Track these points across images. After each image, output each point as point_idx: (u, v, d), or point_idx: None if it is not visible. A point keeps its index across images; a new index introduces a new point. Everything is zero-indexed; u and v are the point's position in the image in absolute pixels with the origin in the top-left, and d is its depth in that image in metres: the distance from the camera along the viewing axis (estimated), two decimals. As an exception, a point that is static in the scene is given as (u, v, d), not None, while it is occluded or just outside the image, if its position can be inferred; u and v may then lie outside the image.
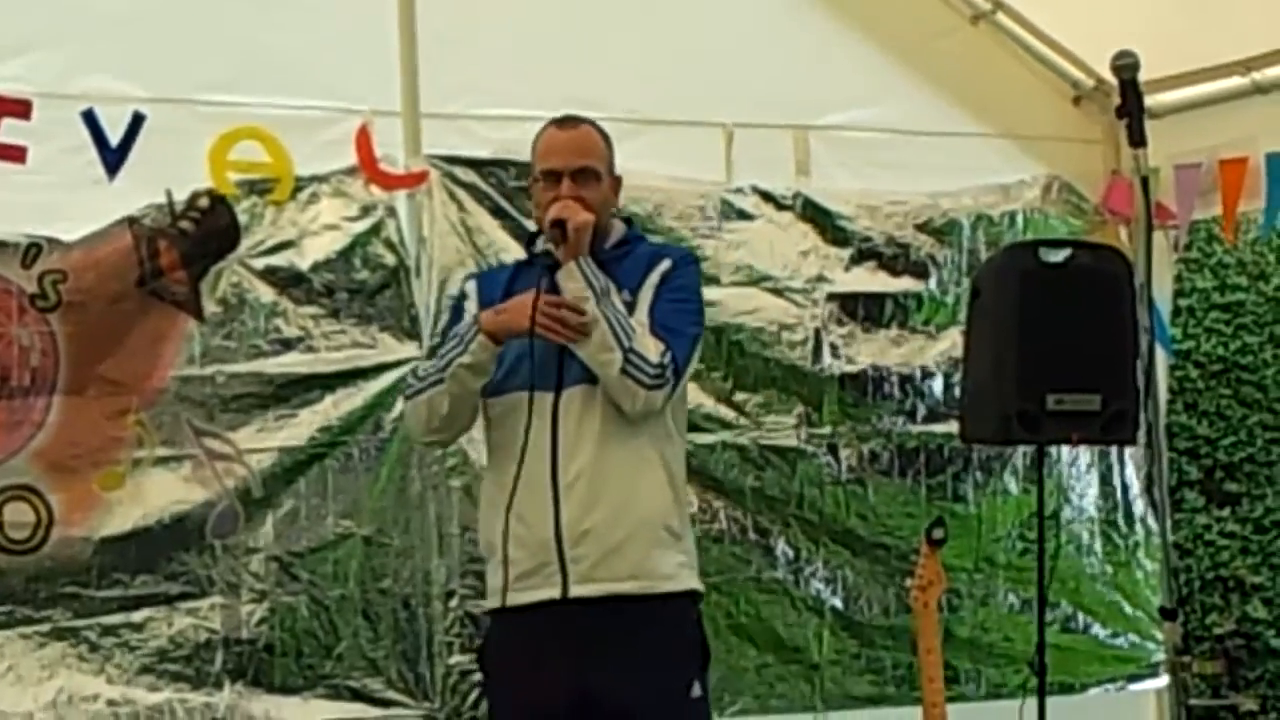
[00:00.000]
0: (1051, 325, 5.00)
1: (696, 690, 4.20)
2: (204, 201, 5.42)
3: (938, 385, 6.32)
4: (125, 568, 5.30)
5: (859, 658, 6.16)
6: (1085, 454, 6.50)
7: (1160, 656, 6.52)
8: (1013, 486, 6.40)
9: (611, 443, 4.15)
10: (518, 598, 4.17)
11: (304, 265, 5.55)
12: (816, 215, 6.24)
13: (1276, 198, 6.18)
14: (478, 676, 5.46)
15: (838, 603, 6.14)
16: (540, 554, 4.14)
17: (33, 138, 5.14)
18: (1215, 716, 6.85)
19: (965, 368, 5.39)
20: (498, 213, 5.76)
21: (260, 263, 5.51)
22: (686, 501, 4.39)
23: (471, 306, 4.34)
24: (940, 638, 5.48)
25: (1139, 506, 6.64)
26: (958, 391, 5.86)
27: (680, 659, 4.21)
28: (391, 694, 5.53)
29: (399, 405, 5.52)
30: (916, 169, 6.31)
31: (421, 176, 5.69)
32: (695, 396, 5.75)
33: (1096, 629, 6.52)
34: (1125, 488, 6.62)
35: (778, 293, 6.15)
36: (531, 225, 5.63)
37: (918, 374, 6.31)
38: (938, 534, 5.46)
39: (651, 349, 4.13)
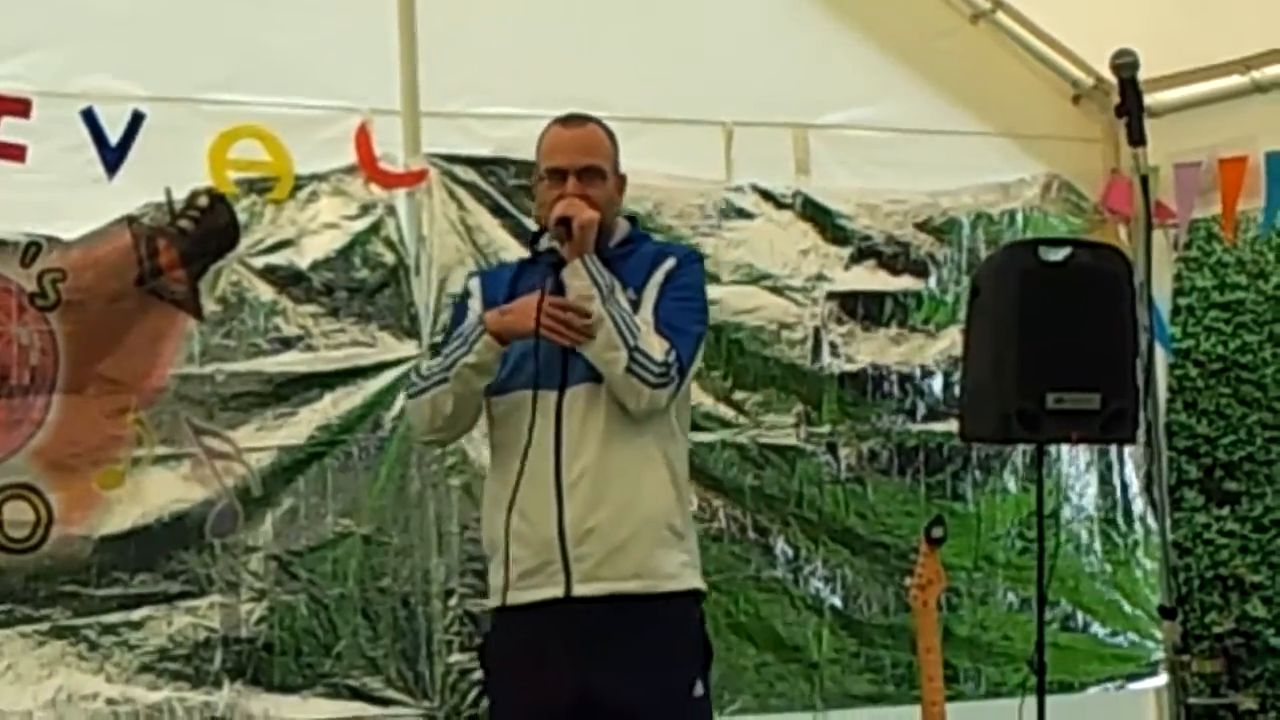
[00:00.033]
0: (1051, 324, 4.99)
1: (699, 690, 4.20)
2: (203, 200, 5.42)
3: (937, 384, 6.32)
4: (125, 566, 5.30)
5: (858, 656, 6.16)
6: (1084, 453, 6.50)
7: (1159, 655, 6.52)
8: (1012, 485, 6.40)
9: (615, 441, 4.15)
10: (520, 596, 4.17)
11: (303, 264, 5.55)
12: (816, 214, 6.24)
13: (1276, 196, 6.18)
14: (477, 675, 5.47)
15: (837, 601, 6.14)
16: (543, 552, 4.13)
17: (32, 136, 5.14)
18: (1214, 715, 6.85)
19: (965, 366, 5.38)
20: (497, 211, 5.77)
21: (260, 261, 5.51)
22: (689, 501, 4.39)
23: (475, 305, 4.34)
24: (939, 636, 5.48)
25: (1138, 505, 6.64)
26: (957, 390, 5.85)
27: (683, 658, 4.21)
28: (391, 693, 5.53)
29: (398, 404, 5.53)
30: (916, 168, 6.31)
31: (421, 175, 5.69)
32: (695, 395, 5.73)
33: (1096, 628, 6.52)
34: (1125, 486, 6.62)
35: (777, 291, 6.15)
36: (531, 223, 5.67)
37: (917, 373, 6.31)
38: (937, 533, 5.46)
39: (656, 347, 4.13)
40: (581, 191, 4.21)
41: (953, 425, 5.78)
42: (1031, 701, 4.98)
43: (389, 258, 5.64)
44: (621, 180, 4.38)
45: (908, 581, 5.49)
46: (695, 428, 5.63)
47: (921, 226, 6.38)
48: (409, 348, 5.60)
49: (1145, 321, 5.61)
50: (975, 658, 6.28)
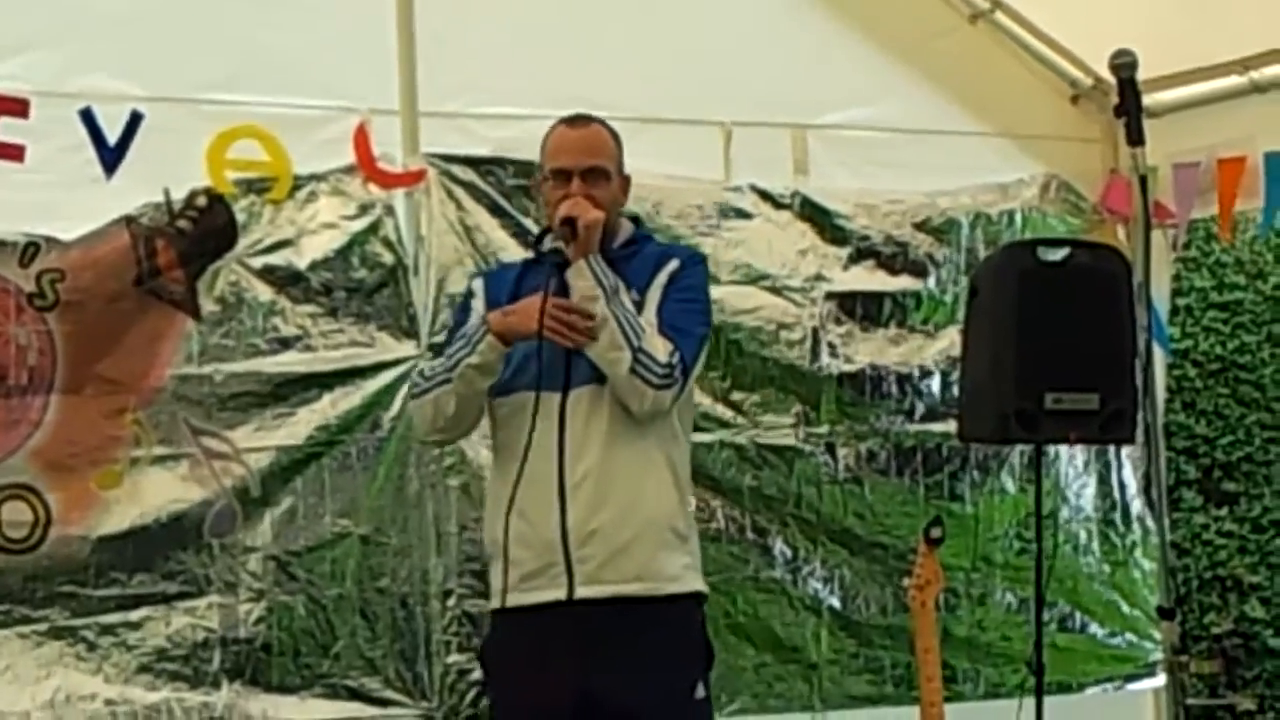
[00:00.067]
0: (1050, 324, 4.99)
1: (700, 691, 4.20)
2: (202, 200, 5.41)
3: (936, 384, 6.32)
4: (123, 567, 5.30)
5: (857, 657, 6.15)
6: (1083, 453, 6.49)
7: (1158, 656, 6.52)
8: (1010, 486, 6.40)
9: (618, 443, 4.15)
10: (523, 598, 4.16)
11: (302, 264, 5.55)
12: (815, 214, 6.23)
13: (1275, 197, 6.18)
14: (475, 676, 5.48)
15: (835, 602, 6.14)
16: (546, 554, 4.13)
17: (31, 136, 5.14)
18: (1213, 716, 6.86)
19: (963, 367, 5.38)
20: (496, 211, 5.76)
21: (258, 261, 5.50)
22: (691, 503, 4.39)
23: (478, 305, 4.34)
24: (938, 637, 5.48)
25: (1137, 506, 6.63)
26: (956, 391, 5.85)
27: (685, 660, 4.21)
28: (389, 693, 5.53)
29: (397, 404, 5.53)
30: (915, 168, 6.31)
31: (419, 175, 5.68)
32: (694, 396, 5.75)
33: (1094, 628, 6.52)
34: (1123, 487, 6.62)
35: (776, 291, 6.14)
36: (529, 223, 5.69)
37: (916, 373, 6.31)
38: (936, 533, 5.46)
39: (660, 349, 4.13)
40: (586, 192, 4.20)
41: (951, 426, 5.78)
42: (1030, 702, 4.98)
43: (387, 258, 5.64)
44: (626, 181, 4.37)
45: (906, 582, 5.49)
46: (693, 428, 5.63)
47: (920, 227, 6.37)
48: (407, 348, 5.60)
49: (1144, 322, 5.61)
50: (974, 658, 6.28)
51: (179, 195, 5.39)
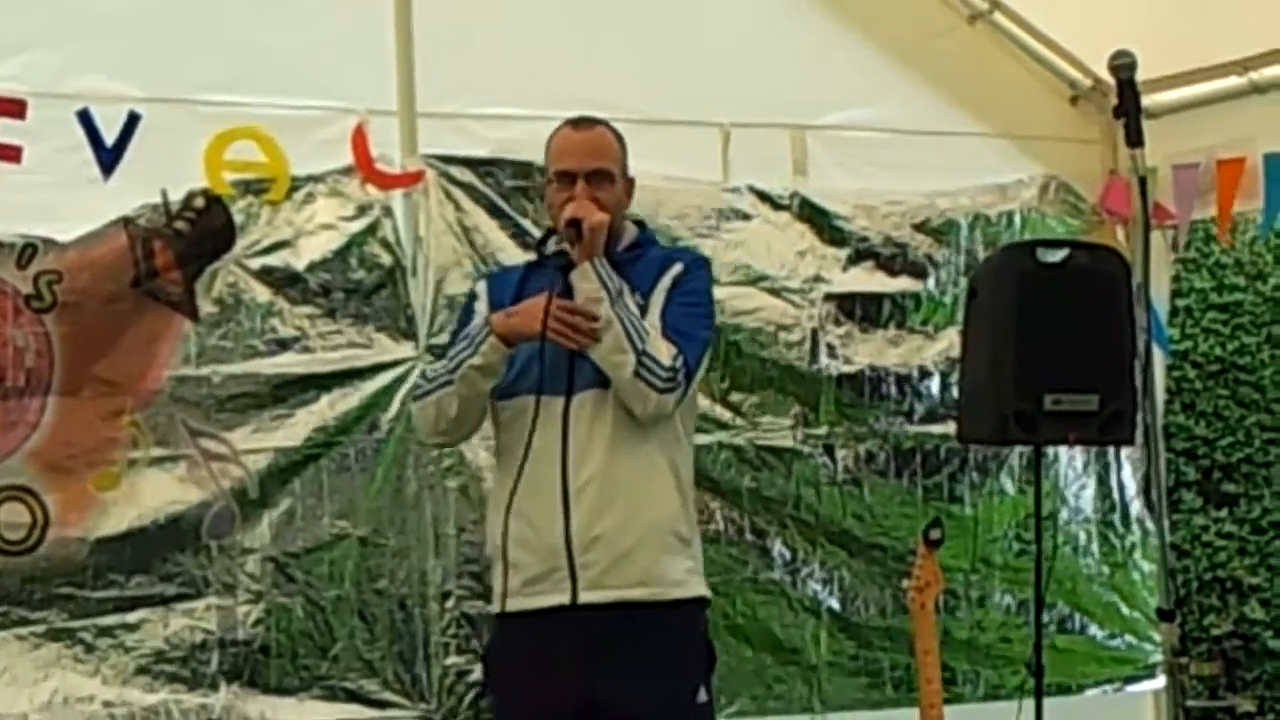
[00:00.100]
0: (1049, 325, 4.99)
1: (702, 695, 4.20)
2: (199, 201, 5.41)
3: (935, 385, 6.32)
4: (121, 568, 5.29)
5: (856, 659, 6.15)
6: (1082, 454, 6.49)
7: (1158, 658, 6.51)
8: (1009, 487, 6.40)
9: (622, 448, 4.14)
10: (526, 603, 4.16)
11: (300, 265, 5.54)
12: (814, 215, 6.23)
13: (1275, 198, 6.17)
14: (474, 677, 5.48)
15: (835, 604, 6.13)
16: (549, 559, 4.12)
17: (28, 137, 5.14)
18: (1212, 717, 6.86)
19: (962, 368, 5.38)
20: (494, 212, 5.76)
21: (256, 263, 5.50)
22: (695, 507, 4.38)
23: (482, 307, 4.33)
24: (937, 639, 5.47)
25: (1136, 507, 6.63)
26: (955, 392, 5.85)
27: (688, 665, 4.20)
28: (387, 695, 5.52)
29: (395, 405, 5.53)
30: (914, 169, 6.30)
31: (418, 176, 5.68)
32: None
33: (1094, 630, 6.51)
34: (1122, 488, 6.61)
35: (775, 293, 6.14)
36: (528, 224, 5.68)
37: (915, 374, 6.30)
38: (935, 534, 5.45)
39: (664, 352, 4.12)
40: (591, 195, 4.19)
41: (950, 427, 5.78)
42: (1029, 704, 4.98)
43: (386, 259, 5.63)
44: (630, 183, 4.37)
45: (905, 583, 5.48)
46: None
47: (919, 228, 6.37)
48: (406, 349, 5.60)
49: (1143, 323, 5.60)
50: (973, 660, 6.28)
51: (176, 196, 5.38)
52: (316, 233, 5.57)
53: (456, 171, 5.72)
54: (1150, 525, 6.60)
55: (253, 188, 5.48)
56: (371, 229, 5.62)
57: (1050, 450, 6.09)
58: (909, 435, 6.28)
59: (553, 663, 4.12)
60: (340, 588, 5.51)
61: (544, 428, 4.13)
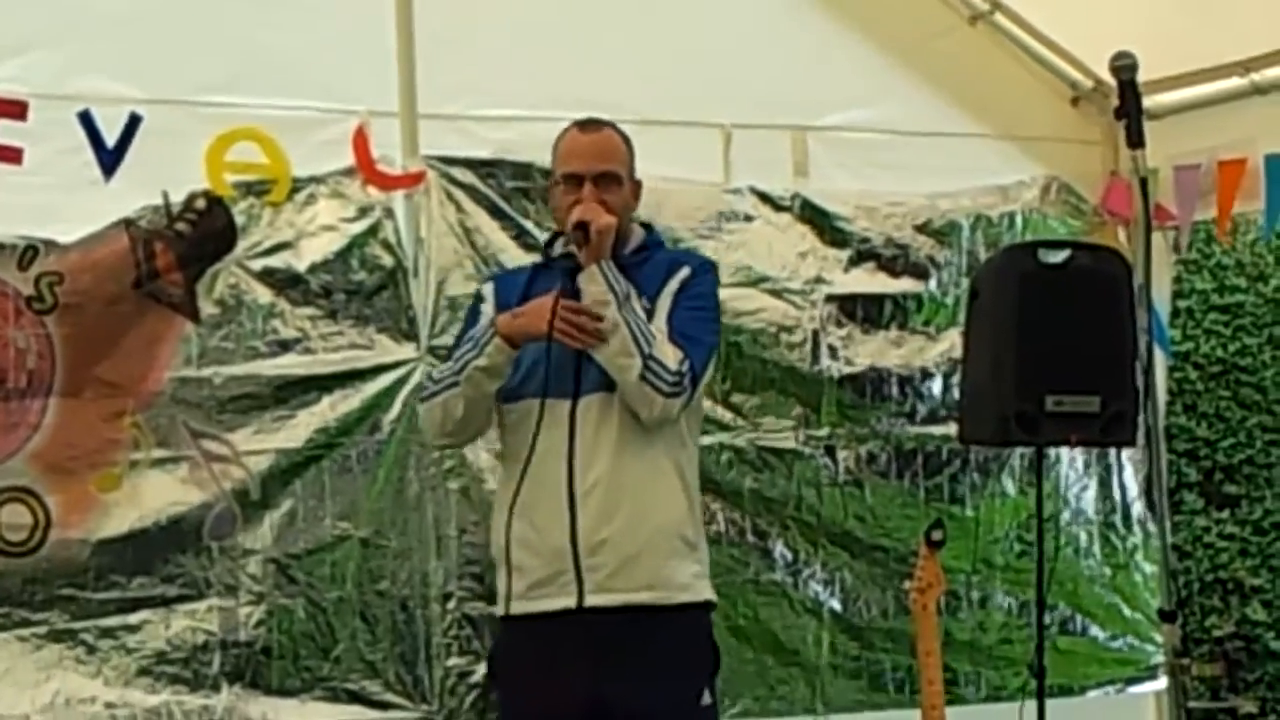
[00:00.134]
0: (1050, 326, 4.98)
1: (706, 698, 4.20)
2: (201, 203, 5.41)
3: (936, 386, 6.31)
4: (122, 570, 5.29)
5: (858, 660, 6.14)
6: (1083, 455, 6.49)
7: (1159, 659, 6.51)
8: (1010, 488, 6.39)
9: (628, 452, 4.14)
10: (532, 606, 4.16)
11: (301, 266, 5.54)
12: (815, 216, 6.23)
13: (1276, 199, 6.16)
14: (475, 678, 5.47)
15: (836, 605, 6.13)
16: (554, 562, 4.13)
17: (29, 139, 5.13)
18: (1214, 719, 6.85)
19: (964, 369, 5.38)
20: (496, 213, 5.75)
21: (257, 264, 5.50)
22: (701, 510, 4.37)
23: (488, 309, 4.34)
24: (939, 640, 5.47)
25: (1138, 508, 6.62)
26: (956, 393, 5.84)
27: (694, 668, 4.21)
28: (389, 696, 5.52)
29: (396, 406, 5.53)
30: (915, 170, 6.30)
31: (419, 177, 5.68)
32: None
33: (1095, 631, 6.51)
34: (1124, 490, 6.61)
35: (776, 294, 6.14)
36: (529, 225, 5.68)
37: (917, 375, 6.30)
38: (937, 536, 5.44)
39: (670, 356, 4.12)
40: (598, 197, 4.20)
41: (952, 428, 5.77)
42: (1031, 705, 4.98)
43: (387, 260, 5.63)
44: (637, 186, 4.37)
45: (907, 585, 5.48)
46: (694, 431, 5.64)
47: (921, 229, 6.37)
48: (407, 350, 5.59)
49: (1144, 324, 5.60)
50: (975, 661, 6.27)
51: (178, 198, 5.38)
52: (318, 234, 5.57)
53: (458, 172, 5.72)
54: (1152, 526, 6.60)
55: (254, 189, 5.48)
56: (373, 230, 5.62)
57: (1052, 451, 6.09)
58: (910, 436, 6.27)
59: (559, 665, 4.12)
60: (342, 589, 5.51)
61: (549, 430, 4.13)
